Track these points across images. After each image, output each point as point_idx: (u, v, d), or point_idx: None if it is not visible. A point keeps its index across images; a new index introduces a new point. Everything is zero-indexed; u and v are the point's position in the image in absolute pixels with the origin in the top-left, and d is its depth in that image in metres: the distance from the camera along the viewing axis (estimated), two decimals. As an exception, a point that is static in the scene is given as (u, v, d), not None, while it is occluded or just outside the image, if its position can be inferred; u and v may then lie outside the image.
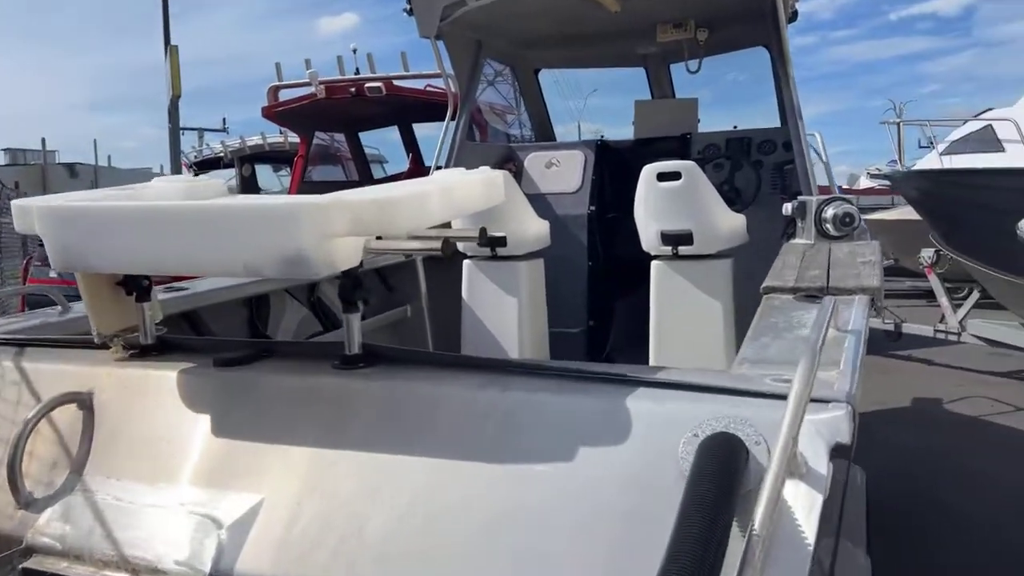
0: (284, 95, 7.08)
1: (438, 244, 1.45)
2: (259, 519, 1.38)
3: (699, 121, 4.92)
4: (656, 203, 3.44)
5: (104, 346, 1.82)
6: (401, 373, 1.52)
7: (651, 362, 3.52)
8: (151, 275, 1.73)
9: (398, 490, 1.32)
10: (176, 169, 16.07)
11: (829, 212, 3.19)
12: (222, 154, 10.63)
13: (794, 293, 2.08)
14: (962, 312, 7.49)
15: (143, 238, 1.45)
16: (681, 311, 3.48)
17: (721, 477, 1.09)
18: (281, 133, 9.48)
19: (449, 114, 4.38)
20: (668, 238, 3.44)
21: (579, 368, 1.41)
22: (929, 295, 8.32)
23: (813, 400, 1.15)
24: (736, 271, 3.45)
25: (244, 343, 1.75)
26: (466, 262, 3.84)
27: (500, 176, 1.80)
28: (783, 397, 1.15)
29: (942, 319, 7.56)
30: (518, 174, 4.62)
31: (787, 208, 3.25)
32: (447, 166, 4.33)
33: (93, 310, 1.76)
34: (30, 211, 1.53)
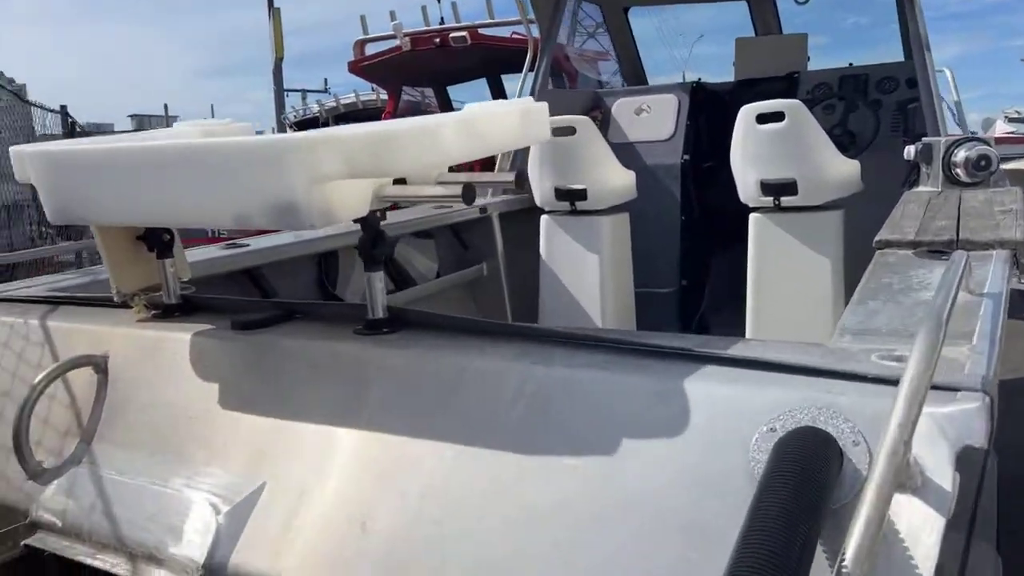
0: (371, 50, 6.94)
1: (459, 191, 1.21)
2: (259, 507, 1.21)
3: (808, 59, 4.44)
4: (755, 148, 3.07)
5: (128, 306, 1.69)
6: (426, 340, 1.31)
7: (747, 328, 3.19)
8: (157, 227, 1.57)
9: (410, 481, 1.11)
10: (280, 131, 16.44)
11: (960, 155, 2.74)
12: (319, 114, 10.70)
13: (915, 248, 1.73)
14: (1115, 271, 6.65)
15: (124, 184, 1.28)
16: (783, 270, 3.13)
17: (802, 486, 0.82)
18: (373, 91, 9.41)
19: (528, 60, 4.09)
20: (769, 187, 3.08)
21: (635, 340, 1.16)
22: (1075, 252, 7.43)
23: (935, 387, 0.86)
24: (847, 225, 3.06)
25: (270, 304, 1.58)
26: (544, 217, 3.59)
27: (544, 108, 1.53)
28: (894, 382, 0.86)
29: (1090, 279, 6.74)
30: (605, 121, 4.30)
31: (909, 152, 2.82)
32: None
33: (112, 267, 1.63)
34: (23, 158, 1.39)
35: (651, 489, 0.97)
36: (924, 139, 2.88)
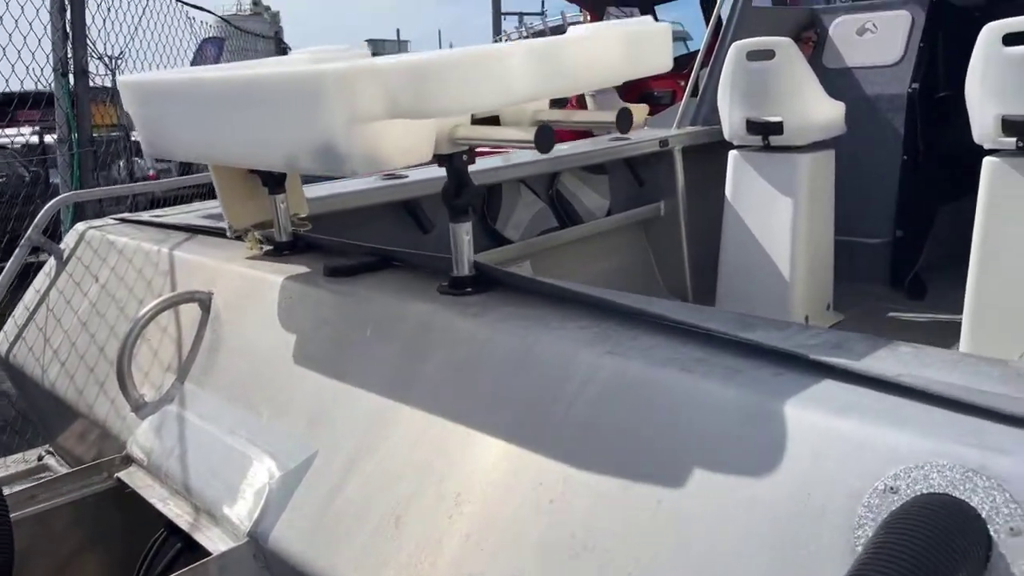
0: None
1: (530, 136, 1.00)
2: (307, 478, 1.12)
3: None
4: (999, 76, 2.49)
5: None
6: (505, 307, 1.13)
7: (967, 298, 2.67)
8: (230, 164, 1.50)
9: (449, 481, 0.96)
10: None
11: None
12: (526, 37, 10.55)
13: None
14: None
15: (187, 118, 1.19)
16: (1022, 229, 2.56)
17: None
18: (581, 12, 9.08)
19: (731, -29, 3.63)
20: (1012, 126, 2.50)
21: (735, 334, 0.90)
22: None
23: None
24: None
25: (369, 250, 1.47)
26: (732, 152, 3.22)
27: (664, 31, 1.23)
28: None
29: None
30: (820, 44, 3.75)
31: None
32: (725, 38, 3.64)
33: (225, 202, 1.60)
34: (122, 89, 1.36)
35: (715, 539, 0.74)
36: None
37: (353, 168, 1.00)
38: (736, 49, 3.06)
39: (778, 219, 3.14)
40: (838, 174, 3.19)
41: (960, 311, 2.80)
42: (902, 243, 3.52)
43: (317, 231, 1.77)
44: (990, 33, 2.48)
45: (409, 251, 1.41)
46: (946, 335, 2.88)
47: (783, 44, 2.97)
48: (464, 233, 1.22)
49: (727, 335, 0.90)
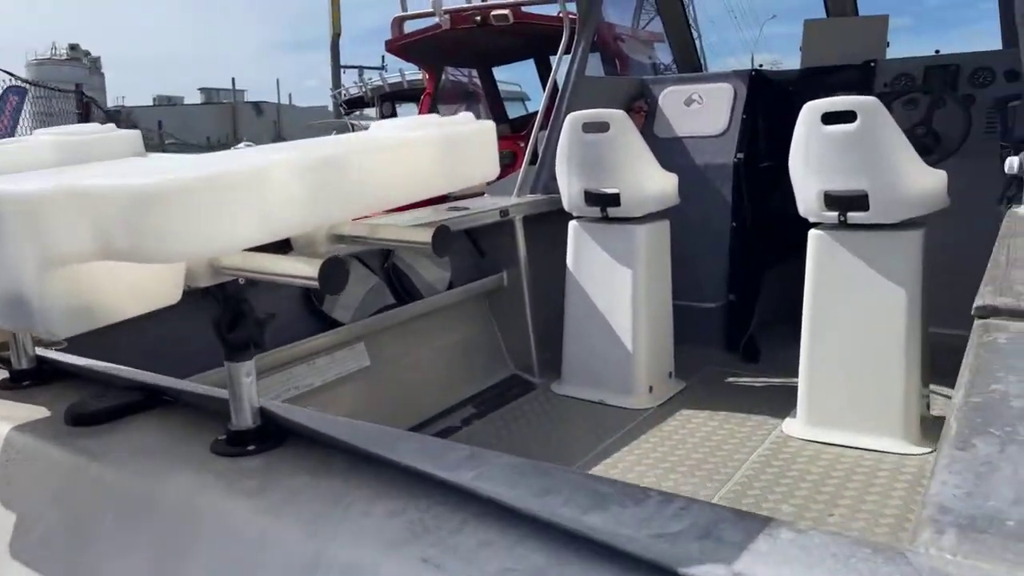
0: (411, 27, 6.55)
1: (314, 272, 0.78)
2: None
3: (888, 45, 3.87)
4: (819, 153, 2.58)
5: None
6: (297, 476, 0.89)
7: (801, 364, 2.71)
8: None
9: None
10: (336, 106, 16.13)
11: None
12: (363, 93, 10.39)
13: None
14: None
15: None
16: (848, 300, 2.64)
17: None
18: (421, 70, 9.04)
19: (564, 42, 3.64)
20: (834, 200, 2.59)
21: (583, 529, 0.72)
22: None
23: None
24: (928, 247, 2.55)
25: (131, 385, 1.17)
26: (572, 223, 3.17)
27: (485, 132, 1.04)
28: None
29: None
30: (651, 113, 3.82)
31: (1012, 164, 2.29)
32: (561, 106, 3.63)
33: None
34: None
35: None
36: (1032, 147, 2.36)
37: (50, 328, 0.75)
38: (572, 120, 3.04)
39: (618, 289, 3.12)
40: (674, 239, 3.23)
41: (792, 372, 2.86)
42: (735, 307, 3.60)
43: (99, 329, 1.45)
44: (810, 112, 2.57)
45: (182, 387, 1.13)
46: (783, 400, 2.93)
47: (617, 117, 2.97)
48: (244, 375, 0.94)
49: (573, 530, 0.72)
